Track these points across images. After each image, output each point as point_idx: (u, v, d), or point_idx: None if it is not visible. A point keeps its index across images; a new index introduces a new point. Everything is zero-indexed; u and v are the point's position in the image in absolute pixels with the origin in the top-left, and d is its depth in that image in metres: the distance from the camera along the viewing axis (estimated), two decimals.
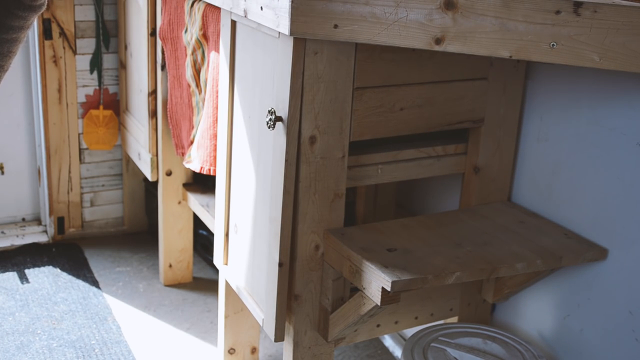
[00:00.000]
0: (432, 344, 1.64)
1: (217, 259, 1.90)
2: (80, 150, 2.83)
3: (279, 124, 1.48)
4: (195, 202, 2.39)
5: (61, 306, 2.42)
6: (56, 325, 2.31)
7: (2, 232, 2.86)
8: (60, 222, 2.87)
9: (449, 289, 1.82)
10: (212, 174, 2.06)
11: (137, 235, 3.00)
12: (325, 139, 1.50)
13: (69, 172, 2.83)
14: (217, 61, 1.85)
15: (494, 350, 1.63)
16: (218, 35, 1.82)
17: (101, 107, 2.79)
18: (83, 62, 2.74)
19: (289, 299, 1.60)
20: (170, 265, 2.62)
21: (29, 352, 2.17)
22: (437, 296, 1.81)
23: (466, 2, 1.30)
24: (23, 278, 2.58)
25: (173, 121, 2.31)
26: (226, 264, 1.87)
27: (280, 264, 1.55)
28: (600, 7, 1.27)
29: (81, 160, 2.85)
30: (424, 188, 2.10)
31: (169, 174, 2.48)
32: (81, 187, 2.88)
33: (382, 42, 1.35)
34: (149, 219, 2.98)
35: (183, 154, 2.31)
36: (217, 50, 1.85)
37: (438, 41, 1.34)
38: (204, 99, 2.00)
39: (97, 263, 2.74)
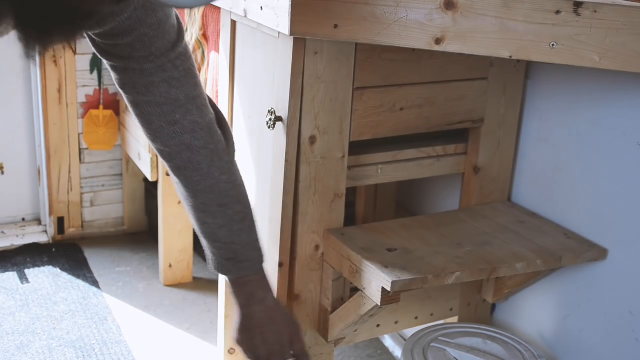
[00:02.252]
0: (432, 344, 1.64)
1: None
2: (80, 150, 2.83)
3: (279, 124, 1.48)
4: None
5: (61, 306, 2.42)
6: (56, 325, 2.31)
7: (2, 232, 2.87)
8: (60, 222, 2.87)
9: (449, 289, 1.82)
10: None
11: (137, 235, 3.00)
12: (325, 139, 1.50)
13: (69, 172, 2.83)
14: (217, 61, 1.85)
15: (494, 350, 1.63)
16: (218, 35, 1.82)
17: (101, 107, 2.79)
18: (83, 62, 2.74)
19: (289, 299, 1.60)
20: (170, 265, 2.62)
21: (29, 352, 2.17)
22: (437, 296, 1.81)
23: (466, 2, 1.30)
24: (23, 278, 2.58)
25: None
26: None
27: (280, 264, 1.55)
28: (600, 7, 1.27)
29: (81, 160, 2.85)
30: (424, 188, 2.10)
31: (169, 174, 2.48)
32: (81, 187, 2.88)
33: (382, 42, 1.35)
34: (149, 219, 2.98)
35: None
36: (217, 50, 1.85)
37: (438, 41, 1.34)
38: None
39: (97, 263, 2.74)
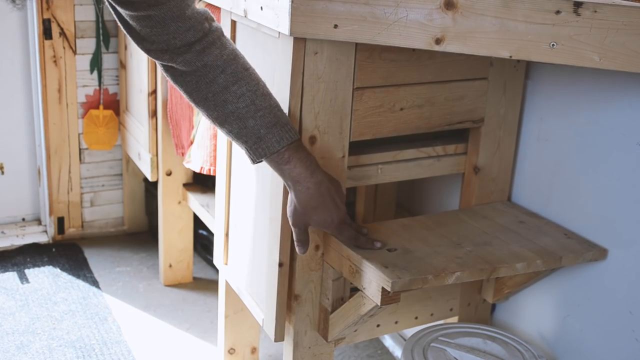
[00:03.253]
0: (432, 344, 1.64)
1: (217, 259, 1.90)
2: (80, 150, 2.84)
3: None
4: (195, 202, 2.39)
5: (61, 306, 2.42)
6: (56, 325, 2.31)
7: (2, 232, 2.87)
8: (60, 222, 2.87)
9: (449, 289, 1.82)
10: (212, 174, 2.06)
11: (137, 235, 3.00)
12: (325, 139, 1.50)
13: (69, 172, 2.83)
14: None
15: (494, 350, 1.64)
16: None
17: (101, 107, 2.79)
18: (83, 62, 2.74)
19: (289, 299, 1.60)
20: (170, 265, 2.62)
21: (29, 352, 2.17)
22: (437, 296, 1.81)
23: (466, 2, 1.30)
24: (23, 278, 2.59)
25: (173, 121, 2.31)
26: (226, 264, 1.87)
27: (280, 264, 1.55)
28: (600, 7, 1.28)
29: (81, 160, 2.85)
30: (424, 188, 2.10)
31: (169, 174, 2.49)
32: (81, 187, 2.88)
33: (382, 42, 1.35)
34: (149, 219, 2.98)
35: (183, 154, 2.31)
36: None
37: (438, 41, 1.34)
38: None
39: (97, 263, 2.74)
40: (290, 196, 1.42)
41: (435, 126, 1.65)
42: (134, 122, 2.64)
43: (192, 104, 1.40)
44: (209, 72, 1.34)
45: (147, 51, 1.34)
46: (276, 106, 1.39)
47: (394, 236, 1.57)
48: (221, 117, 1.37)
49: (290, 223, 1.45)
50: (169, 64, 1.35)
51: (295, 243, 1.47)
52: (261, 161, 1.40)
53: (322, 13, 1.33)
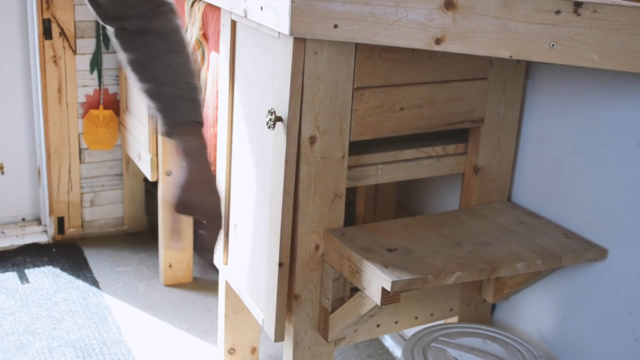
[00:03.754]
0: (432, 344, 1.64)
1: (217, 259, 1.90)
2: (80, 150, 2.84)
3: (279, 124, 1.48)
4: None
5: (61, 306, 2.42)
6: (56, 325, 2.31)
7: (2, 232, 2.87)
8: (60, 222, 2.87)
9: (449, 289, 1.82)
10: None
11: (137, 235, 3.00)
12: (325, 139, 1.50)
13: (69, 172, 2.83)
14: (217, 61, 1.85)
15: (494, 350, 1.64)
16: (218, 35, 1.82)
17: (101, 107, 2.79)
18: (83, 62, 2.74)
19: (289, 299, 1.60)
20: (170, 265, 2.62)
21: (29, 352, 2.17)
22: (437, 296, 1.81)
23: (466, 2, 1.30)
24: (23, 278, 2.58)
25: None
26: (226, 264, 1.87)
27: (280, 264, 1.55)
28: (600, 7, 1.28)
29: (81, 160, 2.85)
30: (424, 188, 2.10)
31: (169, 174, 2.48)
32: (81, 187, 2.88)
33: (382, 42, 1.35)
34: (149, 219, 2.98)
35: None
36: (217, 50, 1.84)
37: (438, 41, 1.34)
38: (204, 99, 2.00)
39: (97, 263, 2.74)
40: (181, 174, 1.35)
41: (435, 126, 1.65)
42: (134, 122, 2.64)
43: (124, 64, 1.39)
44: (149, 36, 1.34)
45: (101, 16, 1.35)
46: (197, 89, 1.39)
47: (394, 236, 1.57)
48: (145, 77, 1.37)
49: (175, 204, 1.32)
50: (119, 27, 1.36)
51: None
52: (172, 131, 1.36)
53: (322, 13, 1.33)
